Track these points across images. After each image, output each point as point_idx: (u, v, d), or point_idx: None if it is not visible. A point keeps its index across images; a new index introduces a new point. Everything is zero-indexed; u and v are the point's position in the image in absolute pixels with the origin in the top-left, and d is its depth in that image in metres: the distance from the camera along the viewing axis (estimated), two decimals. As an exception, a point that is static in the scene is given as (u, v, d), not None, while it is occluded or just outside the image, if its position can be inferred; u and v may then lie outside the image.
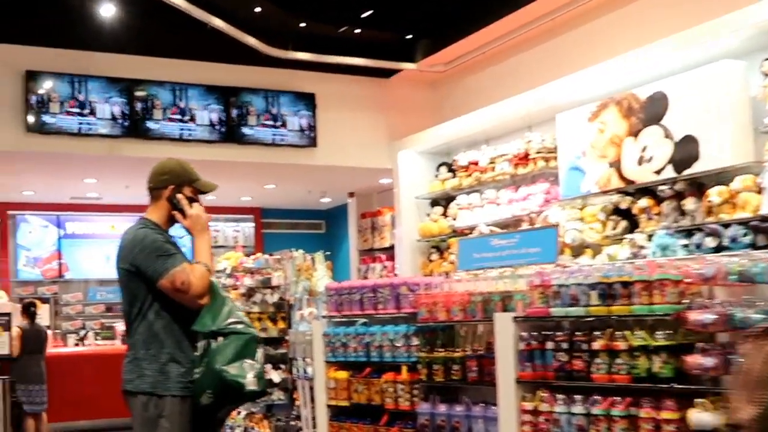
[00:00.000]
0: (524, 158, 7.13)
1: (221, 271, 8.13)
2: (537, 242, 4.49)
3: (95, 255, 12.52)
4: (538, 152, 6.97)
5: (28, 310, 9.28)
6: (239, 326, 3.29)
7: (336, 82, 9.70)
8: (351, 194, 12.03)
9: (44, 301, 11.36)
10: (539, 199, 6.93)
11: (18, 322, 9.23)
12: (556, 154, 6.88)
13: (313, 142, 9.58)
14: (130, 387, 3.30)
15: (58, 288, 12.23)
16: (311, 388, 5.75)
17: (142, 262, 3.28)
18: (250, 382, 3.21)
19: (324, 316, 5.66)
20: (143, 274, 3.28)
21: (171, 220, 3.44)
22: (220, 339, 3.24)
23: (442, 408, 4.51)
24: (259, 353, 3.30)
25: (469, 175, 7.78)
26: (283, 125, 9.44)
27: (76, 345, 10.88)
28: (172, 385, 3.26)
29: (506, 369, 4.06)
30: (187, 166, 3.52)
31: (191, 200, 3.43)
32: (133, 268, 3.31)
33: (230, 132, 9.14)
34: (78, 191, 11.24)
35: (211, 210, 10.25)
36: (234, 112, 9.19)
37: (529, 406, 3.97)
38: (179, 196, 3.41)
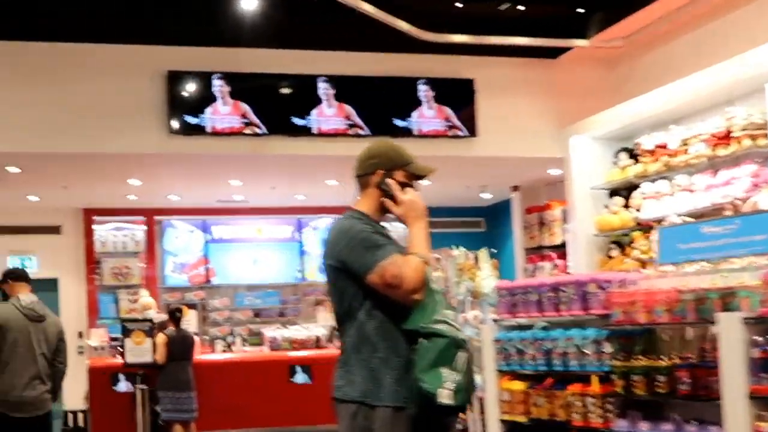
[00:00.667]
0: (725, 137, 6.49)
1: None
2: (763, 228, 3.94)
3: (242, 259, 12.72)
4: (743, 129, 6.32)
5: (174, 316, 9.47)
6: (442, 327, 3.01)
7: (497, 65, 9.32)
8: (515, 188, 11.63)
9: (191, 306, 11.62)
10: (745, 184, 6.27)
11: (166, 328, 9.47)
12: (766, 130, 6.21)
13: (472, 132, 9.24)
14: (339, 395, 3.16)
15: (205, 294, 12.50)
16: (481, 401, 5.47)
17: (349, 256, 3.07)
18: (443, 394, 2.93)
19: (494, 320, 5.36)
20: (350, 270, 3.08)
21: (383, 210, 3.22)
22: (423, 341, 2.99)
23: (645, 426, 4.09)
24: (462, 360, 2.99)
25: (656, 160, 7.19)
26: (440, 115, 9.16)
27: (224, 351, 11.02)
28: (385, 395, 3.05)
29: (734, 381, 3.57)
30: (399, 148, 3.31)
31: (404, 185, 3.19)
32: (339, 263, 3.11)
33: (383, 124, 8.93)
34: (224, 194, 11.41)
35: None
36: (386, 103, 8.99)
37: (765, 427, 3.45)
38: (389, 181, 3.18)
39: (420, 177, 3.28)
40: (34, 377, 6.05)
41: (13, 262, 11.84)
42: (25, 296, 6.20)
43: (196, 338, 10.08)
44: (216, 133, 8.60)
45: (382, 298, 3.05)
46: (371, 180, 3.22)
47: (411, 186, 3.22)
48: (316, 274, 12.92)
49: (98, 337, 10.44)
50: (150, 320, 9.36)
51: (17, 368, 5.98)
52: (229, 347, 10.98)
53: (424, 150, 9.04)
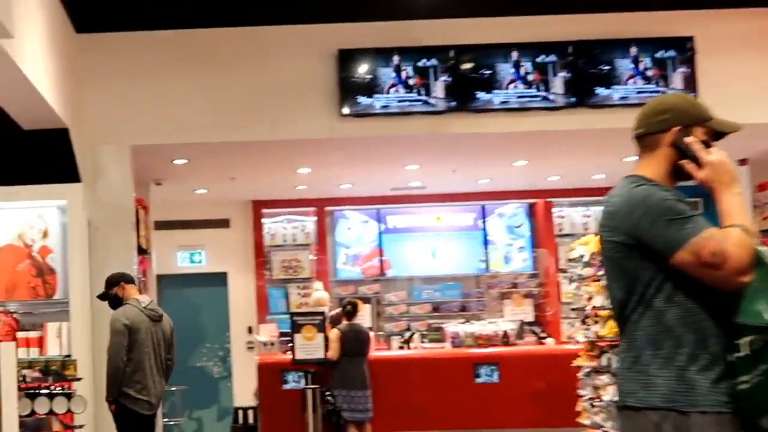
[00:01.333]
0: None
1: (576, 260, 7.49)
2: None
3: (419, 250, 12.46)
4: None
5: (347, 310, 9.37)
6: None
7: (720, 19, 8.55)
8: (742, 161, 10.75)
9: (365, 301, 11.51)
10: None
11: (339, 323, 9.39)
12: None
13: (691, 98, 8.48)
14: (632, 401, 2.73)
15: (379, 287, 12.33)
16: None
17: (647, 231, 2.69)
18: None
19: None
20: (650, 247, 2.70)
21: (676, 174, 2.87)
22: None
23: None
24: None
25: None
26: (653, 80, 8.47)
27: (401, 348, 10.85)
28: (701, 398, 2.65)
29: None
30: (694, 101, 3.01)
31: (706, 144, 2.82)
32: (631, 240, 2.73)
33: (584, 94, 8.39)
34: (399, 180, 11.16)
35: (553, 192, 9.65)
36: (583, 71, 8.40)
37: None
38: (690, 139, 2.81)
39: (722, 135, 2.92)
40: (158, 375, 6.74)
41: (182, 258, 12.19)
42: (143, 297, 6.90)
43: (371, 334, 9.96)
44: (391, 114, 8.37)
45: (687, 280, 2.67)
46: (662, 139, 2.85)
47: (711, 146, 2.83)
48: (501, 264, 12.55)
49: (267, 333, 10.50)
50: (321, 314, 9.29)
51: (146, 368, 6.62)
52: (406, 343, 10.76)
53: (632, 121, 8.45)
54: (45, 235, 7.66)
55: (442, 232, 12.62)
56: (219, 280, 12.23)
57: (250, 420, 10.28)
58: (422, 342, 10.88)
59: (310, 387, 9.11)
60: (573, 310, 8.28)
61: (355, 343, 9.26)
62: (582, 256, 7.62)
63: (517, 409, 9.77)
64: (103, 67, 8.27)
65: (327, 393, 9.22)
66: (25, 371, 5.87)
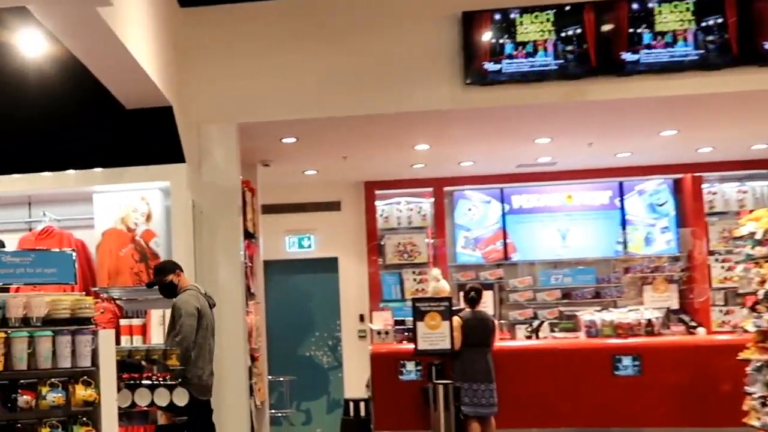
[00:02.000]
0: None
1: (746, 237, 7.07)
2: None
3: (547, 232, 12.08)
4: None
5: (470, 297, 9.18)
6: None
7: None
8: None
9: (487, 287, 11.23)
10: None
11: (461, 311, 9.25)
12: None
13: None
14: None
15: (503, 272, 11.99)
16: None
17: None
18: None
19: None
20: None
21: None
22: None
23: None
24: None
25: None
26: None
27: (528, 338, 10.53)
28: None
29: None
30: None
31: None
32: None
33: (742, 50, 7.85)
34: (527, 156, 10.77)
35: (702, 166, 8.93)
36: (743, 23, 7.85)
37: None
38: None
39: None
40: (211, 362, 7.01)
41: (291, 243, 12.14)
42: (198, 285, 7.19)
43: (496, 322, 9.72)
44: (520, 81, 8.06)
45: None
46: None
47: None
48: (642, 246, 12.05)
49: (381, 321, 10.31)
50: (447, 299, 9.05)
51: (206, 353, 6.91)
52: (535, 333, 10.42)
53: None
54: (148, 218, 7.70)
55: (574, 212, 12.17)
56: (329, 265, 12.14)
57: (362, 413, 10.15)
58: (552, 331, 10.51)
59: (441, 382, 8.91)
60: (738, 295, 7.79)
61: (478, 331, 9.04)
62: (753, 234, 7.12)
63: (661, 406, 9.34)
64: (208, 42, 8.20)
65: (449, 384, 9.03)
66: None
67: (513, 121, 8.89)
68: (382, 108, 8.13)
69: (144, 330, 7.61)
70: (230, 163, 8.29)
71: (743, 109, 8.62)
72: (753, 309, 7.14)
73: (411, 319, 9.40)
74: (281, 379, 10.79)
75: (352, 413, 10.25)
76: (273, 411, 10.44)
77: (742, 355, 7.43)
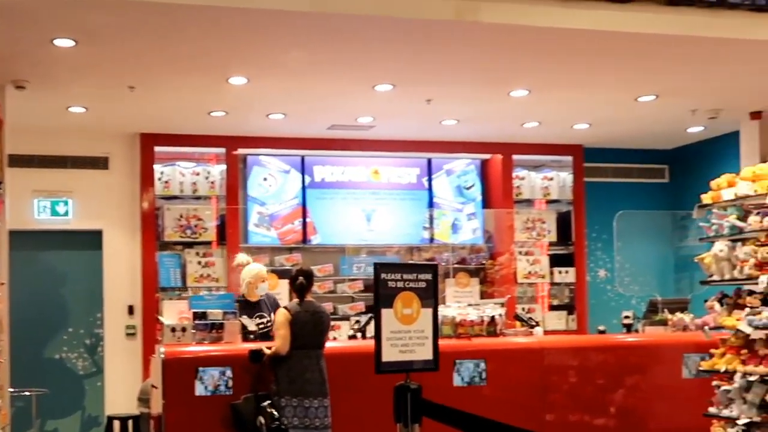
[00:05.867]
0: None
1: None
2: None
3: (351, 212, 9.87)
4: None
5: (297, 284, 6.57)
6: None
7: None
8: (755, 114, 8.84)
9: (281, 276, 8.68)
10: None
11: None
12: None
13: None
14: None
15: (301, 257, 9.55)
16: None
17: None
18: None
19: None
20: None
21: None
22: None
23: None
24: None
25: None
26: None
27: (352, 337, 8.02)
28: None
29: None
30: None
31: None
32: None
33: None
34: (348, 112, 8.46)
35: (511, 146, 7.23)
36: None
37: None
38: None
39: None
40: None
41: (41, 208, 8.96)
42: None
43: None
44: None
45: None
46: None
47: None
48: (449, 233, 10.20)
49: (175, 313, 7.42)
50: (434, 266, 5.88)
51: None
52: (361, 331, 7.89)
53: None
54: None
55: (381, 190, 10.03)
56: (90, 240, 9.06)
57: (131, 435, 7.48)
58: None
59: (248, 396, 6.34)
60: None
61: (309, 329, 6.48)
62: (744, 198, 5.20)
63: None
64: None
65: (267, 403, 6.38)
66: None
67: (360, 46, 6.46)
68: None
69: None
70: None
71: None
72: (737, 305, 5.28)
73: (218, 311, 6.86)
74: (26, 393, 7.69)
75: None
76: (9, 434, 7.31)
77: (706, 365, 5.52)
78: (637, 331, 8.19)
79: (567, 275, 10.42)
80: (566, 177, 10.60)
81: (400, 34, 6.17)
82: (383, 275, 5.19)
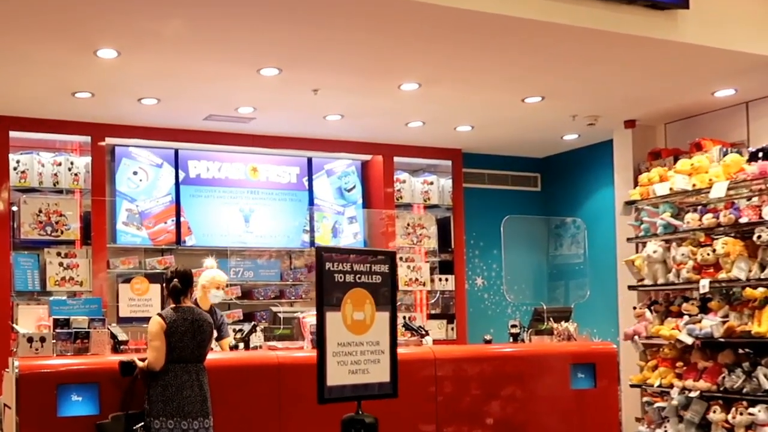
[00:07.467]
0: None
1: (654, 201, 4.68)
2: None
3: (229, 212, 9.03)
4: None
5: (173, 287, 5.55)
6: None
7: None
8: (629, 123, 8.65)
9: (151, 280, 7.71)
10: None
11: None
12: None
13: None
14: None
15: (174, 260, 8.60)
16: None
17: None
18: None
19: None
20: None
21: None
22: None
23: None
24: None
25: None
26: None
27: (234, 348, 7.12)
28: None
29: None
30: None
31: None
32: None
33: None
34: (228, 101, 7.66)
35: (393, 148, 6.26)
36: None
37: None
38: None
39: None
40: None
41: None
42: None
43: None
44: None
45: None
46: None
47: None
48: (329, 237, 9.48)
49: (33, 320, 6.35)
50: (392, 253, 4.79)
51: None
52: (244, 341, 7.03)
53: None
54: None
55: (259, 189, 9.23)
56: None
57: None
58: (268, 340, 7.22)
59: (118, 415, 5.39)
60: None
61: (188, 339, 5.53)
62: (682, 194, 4.73)
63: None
64: None
65: (140, 425, 5.46)
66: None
67: (247, 19, 5.71)
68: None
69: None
70: None
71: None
72: (669, 312, 4.77)
73: (83, 318, 5.83)
74: None
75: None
76: None
77: (636, 380, 5.00)
78: (523, 340, 7.80)
79: (447, 283, 9.97)
80: (445, 182, 10.15)
81: (288, 9, 5.46)
82: (328, 265, 4.06)
